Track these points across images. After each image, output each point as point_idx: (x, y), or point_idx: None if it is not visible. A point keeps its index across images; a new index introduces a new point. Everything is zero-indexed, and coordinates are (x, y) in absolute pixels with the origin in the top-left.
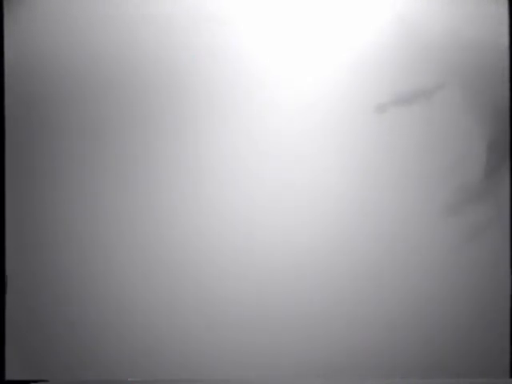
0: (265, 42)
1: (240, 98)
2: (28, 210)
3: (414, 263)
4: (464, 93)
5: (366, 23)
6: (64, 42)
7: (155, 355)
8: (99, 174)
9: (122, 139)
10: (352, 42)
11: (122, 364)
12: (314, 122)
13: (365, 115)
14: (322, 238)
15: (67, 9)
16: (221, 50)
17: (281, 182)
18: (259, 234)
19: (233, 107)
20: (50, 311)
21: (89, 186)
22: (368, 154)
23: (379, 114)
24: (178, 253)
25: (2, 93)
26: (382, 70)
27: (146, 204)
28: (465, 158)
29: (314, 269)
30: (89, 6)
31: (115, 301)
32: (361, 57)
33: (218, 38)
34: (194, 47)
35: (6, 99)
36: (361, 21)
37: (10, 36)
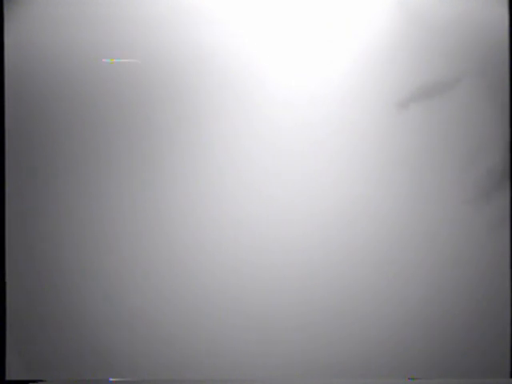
0: (274, 38)
1: (248, 97)
2: (28, 209)
3: (414, 263)
4: (481, 83)
5: (371, 19)
6: (64, 41)
7: (156, 355)
8: (102, 173)
9: (125, 138)
10: (361, 36)
11: (122, 364)
12: (327, 117)
13: (381, 109)
14: (333, 234)
15: (67, 8)
16: (225, 49)
17: (297, 182)
18: (263, 232)
19: (238, 105)
20: (50, 311)
21: (91, 186)
22: (385, 148)
23: (397, 108)
24: (180, 251)
25: (2, 92)
26: (396, 64)
27: (150, 202)
28: (484, 149)
29: (324, 266)
30: (89, 5)
31: (116, 301)
32: (370, 51)
33: (221, 39)
34: (196, 48)
35: (6, 99)
36: (366, 17)
37: (10, 36)
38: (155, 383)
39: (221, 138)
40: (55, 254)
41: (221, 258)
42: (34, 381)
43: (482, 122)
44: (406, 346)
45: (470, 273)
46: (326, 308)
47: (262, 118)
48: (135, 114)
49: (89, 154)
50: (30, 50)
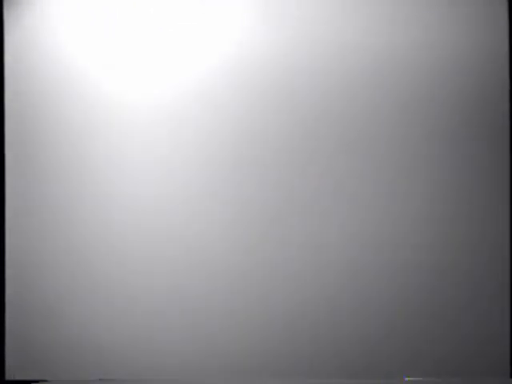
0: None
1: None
2: (27, 208)
3: (413, 263)
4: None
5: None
6: (64, 41)
7: (156, 355)
8: (100, 172)
9: (123, 137)
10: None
11: (122, 364)
12: (330, 120)
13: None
14: (336, 236)
15: (68, 8)
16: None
17: (309, 189)
18: (263, 231)
19: (234, 113)
20: (50, 311)
21: (90, 184)
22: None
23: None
24: (180, 251)
25: (2, 92)
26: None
27: (150, 203)
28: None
29: (324, 264)
30: (88, 5)
31: (116, 301)
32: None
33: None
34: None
35: (5, 98)
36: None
37: (10, 35)
38: (155, 383)
39: (221, 139)
40: (54, 255)
41: (219, 260)
42: (34, 381)
43: (485, 121)
44: (405, 346)
45: (470, 272)
46: (326, 308)
47: (261, 122)
48: (136, 113)
49: (89, 153)
50: (31, 49)
